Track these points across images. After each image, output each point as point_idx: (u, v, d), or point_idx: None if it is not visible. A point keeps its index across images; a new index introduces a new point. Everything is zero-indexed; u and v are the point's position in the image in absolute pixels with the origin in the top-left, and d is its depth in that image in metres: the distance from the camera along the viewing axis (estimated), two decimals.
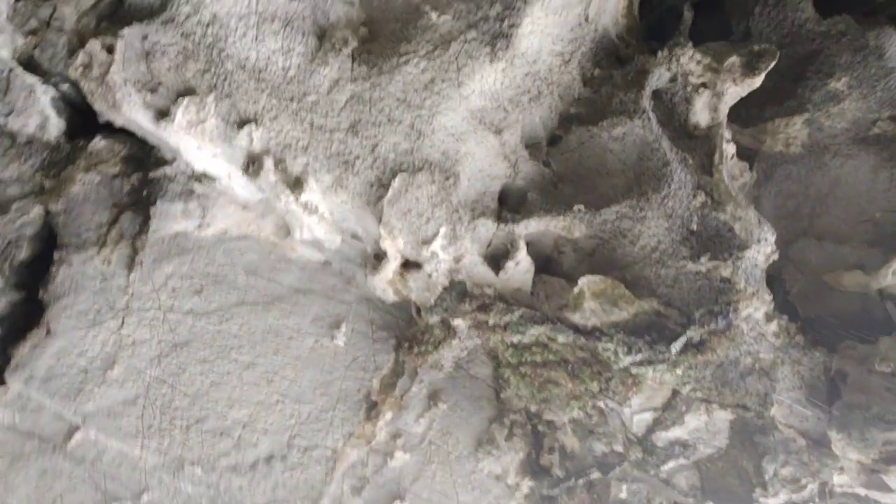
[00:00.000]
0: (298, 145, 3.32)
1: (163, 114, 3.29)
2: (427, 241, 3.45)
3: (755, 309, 3.14)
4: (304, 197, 3.38)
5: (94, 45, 3.13)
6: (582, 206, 3.45)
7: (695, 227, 3.28)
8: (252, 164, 3.27)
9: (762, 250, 3.20)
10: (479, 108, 3.43)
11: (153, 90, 3.26)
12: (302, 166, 3.31)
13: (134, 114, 3.32)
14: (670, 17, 4.22)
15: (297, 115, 3.32)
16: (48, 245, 4.47)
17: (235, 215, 4.25)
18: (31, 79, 4.37)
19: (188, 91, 3.24)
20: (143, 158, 4.20)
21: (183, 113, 3.20)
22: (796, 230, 3.99)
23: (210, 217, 4.30)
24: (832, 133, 3.94)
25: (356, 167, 3.33)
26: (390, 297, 3.97)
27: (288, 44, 3.35)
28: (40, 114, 4.45)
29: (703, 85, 3.73)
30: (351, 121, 3.35)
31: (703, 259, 3.20)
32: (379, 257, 3.78)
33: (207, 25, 3.26)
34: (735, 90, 3.66)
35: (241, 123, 3.26)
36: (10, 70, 4.39)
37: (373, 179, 3.35)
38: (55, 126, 4.46)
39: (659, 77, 3.69)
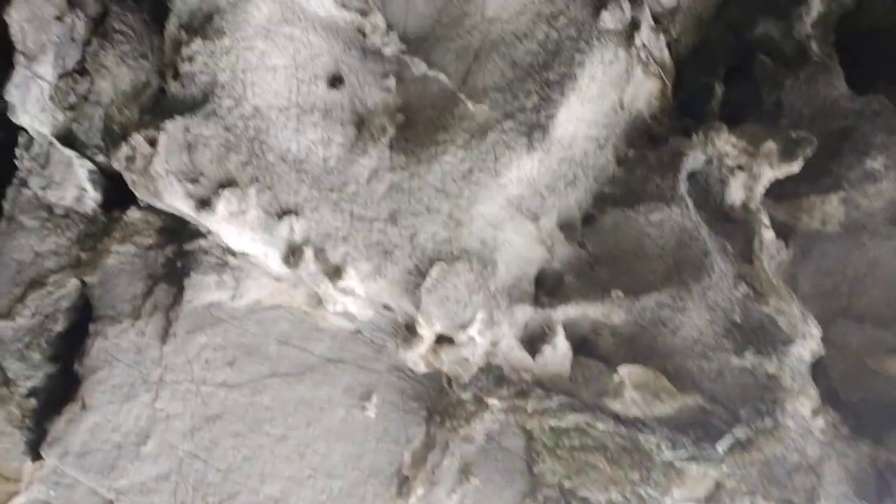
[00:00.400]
0: (338, 235, 3.34)
1: (204, 203, 3.33)
2: (464, 326, 3.45)
3: (802, 406, 3.10)
4: (342, 284, 3.39)
5: (138, 139, 3.19)
6: (620, 293, 3.44)
7: (737, 319, 3.25)
8: (292, 255, 3.30)
9: (808, 346, 3.16)
10: (517, 196, 3.45)
11: (194, 180, 3.31)
12: (341, 256, 3.33)
13: (175, 202, 3.36)
14: (702, 92, 4.24)
15: (337, 205, 3.35)
16: (82, 314, 4.53)
17: (269, 286, 4.28)
18: (69, 153, 4.47)
19: (230, 182, 3.28)
20: (178, 230, 4.26)
21: (224, 204, 3.24)
22: (835, 310, 3.93)
23: (244, 288, 4.33)
24: (869, 212, 3.91)
25: (395, 256, 3.35)
26: (422, 368, 3.96)
27: (328, 134, 3.40)
28: (77, 187, 4.54)
29: (739, 167, 3.73)
30: (390, 210, 3.38)
31: (747, 354, 3.17)
32: (410, 328, 3.77)
33: (249, 118, 3.32)
34: (771, 173, 3.66)
35: (282, 214, 3.30)
36: (50, 144, 4.49)
37: (411, 268, 3.37)
38: (91, 198, 4.54)
39: (694, 160, 3.70)
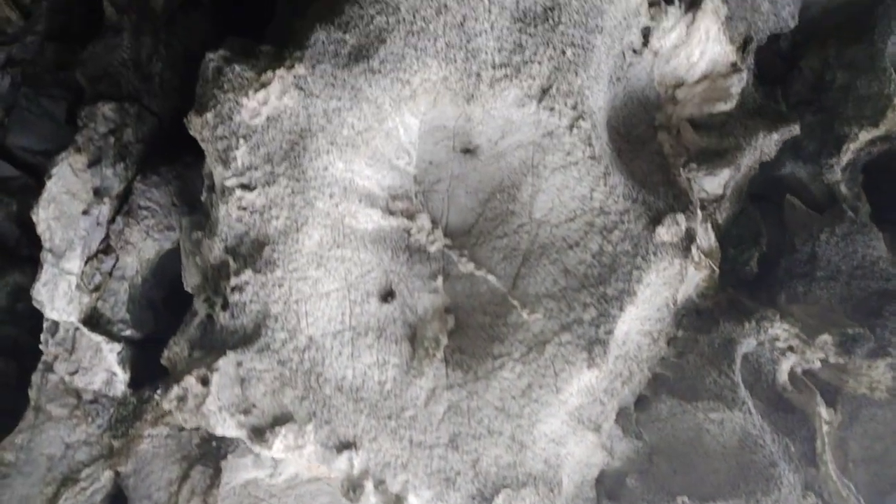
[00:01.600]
0: (398, 463, 3.25)
1: (258, 432, 3.22)
2: None
3: None
4: None
5: (190, 381, 3.08)
6: (686, 499, 3.38)
7: None
8: (353, 490, 3.19)
9: None
10: (577, 407, 3.39)
11: (247, 412, 3.20)
12: (401, 484, 3.24)
13: (227, 432, 3.25)
14: (743, 262, 4.23)
15: (395, 432, 3.26)
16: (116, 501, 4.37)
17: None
18: (96, 338, 4.33)
19: (285, 417, 3.18)
20: None
21: (281, 440, 3.14)
22: (890, 477, 3.91)
23: (282, 466, 4.19)
24: None
25: (457, 483, 3.26)
26: None
27: (383, 356, 3.31)
28: (106, 371, 4.38)
29: (790, 348, 3.71)
30: (450, 434, 3.30)
31: None
32: None
33: (304, 350, 3.22)
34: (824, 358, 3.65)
35: (341, 448, 3.20)
36: (76, 330, 4.35)
37: (475, 493, 3.28)
38: (121, 381, 4.39)
39: (746, 346, 3.67)
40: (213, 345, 3.18)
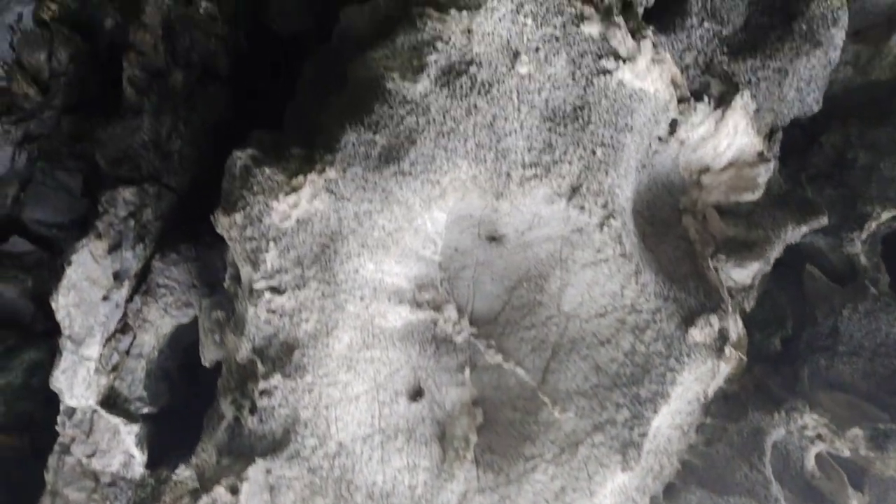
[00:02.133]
0: None
1: None
2: None
3: None
4: None
5: (219, 491, 3.03)
6: None
7: None
8: None
9: None
10: None
11: None
12: None
13: None
14: (767, 344, 4.21)
15: None
16: None
17: None
18: (114, 419, 4.27)
19: None
20: None
21: None
22: None
23: None
24: None
25: None
26: None
27: (413, 459, 3.27)
28: (125, 453, 4.33)
29: (819, 437, 3.68)
30: None
31: None
32: None
33: (334, 457, 3.18)
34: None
35: None
36: (94, 412, 4.29)
37: None
38: (139, 463, 4.33)
39: (776, 435, 3.64)
40: (242, 451, 3.13)
